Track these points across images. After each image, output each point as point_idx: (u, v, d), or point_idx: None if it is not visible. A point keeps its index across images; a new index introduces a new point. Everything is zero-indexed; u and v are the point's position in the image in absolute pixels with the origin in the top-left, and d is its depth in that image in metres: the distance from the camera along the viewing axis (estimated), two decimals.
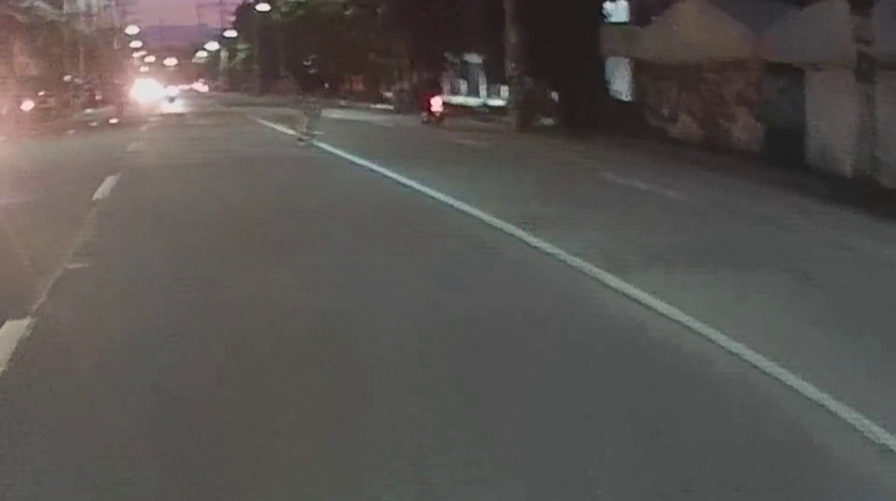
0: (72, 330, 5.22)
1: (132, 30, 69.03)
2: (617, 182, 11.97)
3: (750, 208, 9.90)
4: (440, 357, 4.61)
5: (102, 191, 11.45)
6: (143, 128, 27.78)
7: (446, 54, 34.16)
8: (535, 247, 7.36)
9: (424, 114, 25.55)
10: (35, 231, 8.79)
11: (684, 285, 6.12)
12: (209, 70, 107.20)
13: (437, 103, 25.47)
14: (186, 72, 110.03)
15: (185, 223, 9.09)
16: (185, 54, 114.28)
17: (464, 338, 4.95)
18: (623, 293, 5.80)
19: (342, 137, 18.39)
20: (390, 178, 12.14)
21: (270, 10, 60.20)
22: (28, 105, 35.24)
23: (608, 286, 6.01)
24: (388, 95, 40.23)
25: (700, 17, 16.86)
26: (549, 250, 7.15)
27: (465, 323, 5.22)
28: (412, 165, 13.21)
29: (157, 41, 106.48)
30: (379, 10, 36.49)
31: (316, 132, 17.80)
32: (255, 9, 64.57)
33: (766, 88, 15.16)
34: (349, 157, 15.06)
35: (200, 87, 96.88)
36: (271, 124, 25.26)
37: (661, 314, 5.28)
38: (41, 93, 41.13)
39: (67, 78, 52.19)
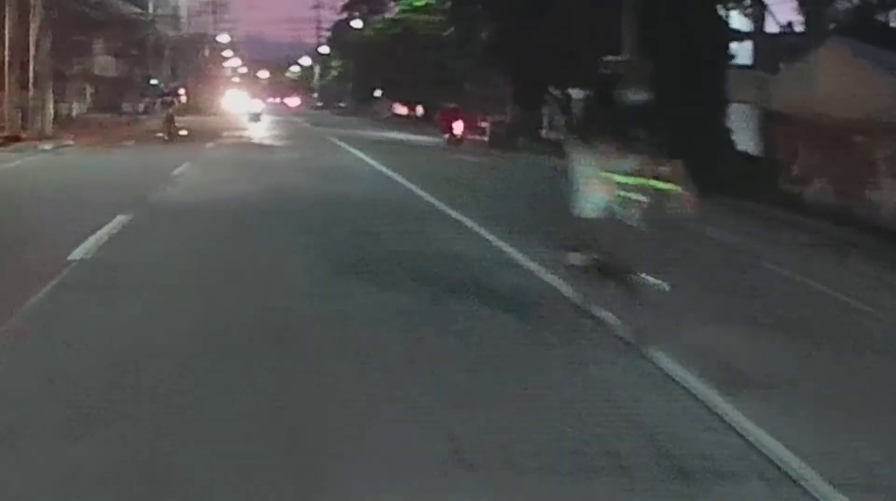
0: None
1: (223, 38, 67.69)
2: (792, 283, 8.59)
3: None
4: None
5: (93, 242, 8.35)
6: (209, 145, 25.32)
7: (549, 87, 31.12)
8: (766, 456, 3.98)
9: (446, 135, 30.35)
10: None
11: None
12: (302, 85, 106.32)
13: (458, 127, 30.09)
14: (279, 85, 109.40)
15: (191, 349, 5.11)
16: (279, 68, 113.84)
17: None
18: None
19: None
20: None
21: (363, 28, 58.35)
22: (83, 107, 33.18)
23: None
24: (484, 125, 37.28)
25: (846, 69, 14.44)
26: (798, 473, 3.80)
27: None
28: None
29: (251, 53, 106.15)
30: (482, 35, 33.62)
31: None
32: (349, 25, 63.01)
33: None
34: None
35: (290, 101, 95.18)
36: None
37: None
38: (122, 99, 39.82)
39: (154, 82, 50.95)
